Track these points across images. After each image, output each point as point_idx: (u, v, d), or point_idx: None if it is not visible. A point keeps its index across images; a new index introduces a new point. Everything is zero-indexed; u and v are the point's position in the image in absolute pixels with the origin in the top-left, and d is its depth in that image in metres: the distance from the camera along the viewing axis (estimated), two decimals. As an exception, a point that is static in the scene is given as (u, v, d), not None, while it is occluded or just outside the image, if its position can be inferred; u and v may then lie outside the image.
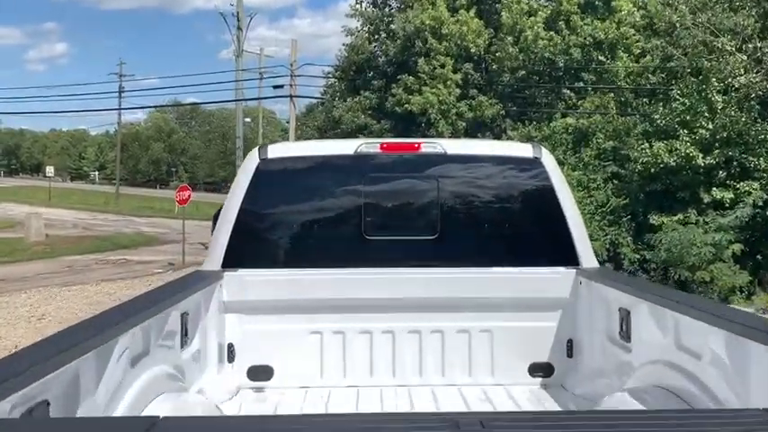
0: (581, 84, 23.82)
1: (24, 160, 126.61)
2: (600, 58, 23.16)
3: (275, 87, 33.22)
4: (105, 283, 19.81)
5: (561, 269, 4.72)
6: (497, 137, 22.62)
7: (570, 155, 21.62)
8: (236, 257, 4.63)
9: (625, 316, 3.94)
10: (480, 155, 4.97)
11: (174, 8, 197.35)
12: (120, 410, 2.76)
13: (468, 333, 4.75)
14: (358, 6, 27.13)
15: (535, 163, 4.81)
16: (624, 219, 19.73)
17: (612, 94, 22.93)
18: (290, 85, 30.67)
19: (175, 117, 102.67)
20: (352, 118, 24.89)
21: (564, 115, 23.24)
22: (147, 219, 46.44)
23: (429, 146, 4.85)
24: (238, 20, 29.26)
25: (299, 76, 30.90)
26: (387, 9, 27.41)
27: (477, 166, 4.87)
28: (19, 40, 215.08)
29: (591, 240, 19.22)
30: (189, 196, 25.55)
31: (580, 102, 23.68)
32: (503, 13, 23.64)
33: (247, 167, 4.73)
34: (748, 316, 2.87)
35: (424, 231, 4.76)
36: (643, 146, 18.77)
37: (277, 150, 4.89)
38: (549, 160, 4.87)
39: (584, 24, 23.15)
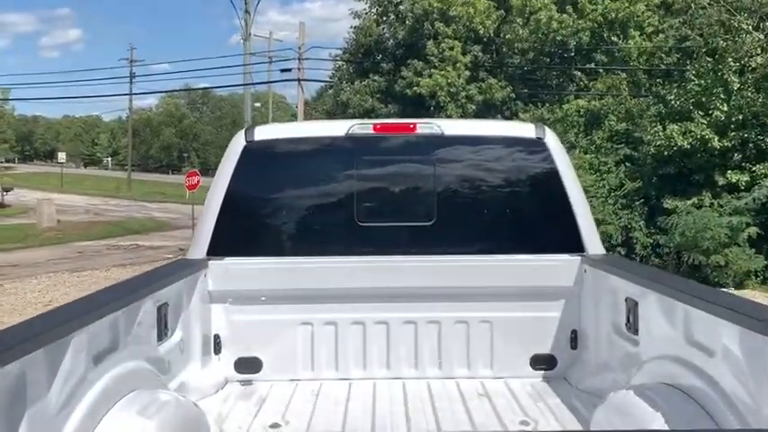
0: (593, 65, 23.35)
1: (38, 146, 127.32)
2: (612, 38, 22.67)
3: (283, 71, 33.04)
4: (115, 269, 19.81)
5: (565, 256, 4.48)
6: (508, 120, 22.27)
7: (582, 137, 21.26)
8: (221, 245, 4.43)
9: (632, 307, 3.70)
10: (480, 135, 4.71)
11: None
12: (79, 412, 2.57)
13: (467, 323, 4.53)
14: (367, -12, 26.73)
15: (538, 144, 4.55)
16: (637, 202, 19.40)
17: (625, 75, 22.46)
18: (298, 69, 30.43)
19: (186, 102, 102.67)
20: (359, 101, 24.58)
21: (576, 97, 22.83)
22: (159, 204, 46.57)
23: (425, 126, 4.60)
24: (246, 2, 28.98)
25: (307, 59, 30.67)
26: (395, -10, 26.98)
27: (477, 147, 4.62)
28: (33, 26, 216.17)
29: (604, 224, 18.74)
30: (198, 182, 25.56)
31: (592, 83, 23.24)
32: (512, -6, 23.20)
33: (233, 150, 4.51)
34: (765, 310, 2.61)
35: (420, 217, 4.54)
36: (656, 128, 18.38)
37: (265, 132, 4.65)
38: (553, 141, 4.60)
39: (595, 4, 22.64)
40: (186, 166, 77.56)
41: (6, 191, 41.83)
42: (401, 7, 26.09)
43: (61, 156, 67.30)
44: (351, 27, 27.84)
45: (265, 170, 4.61)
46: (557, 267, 4.48)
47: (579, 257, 4.45)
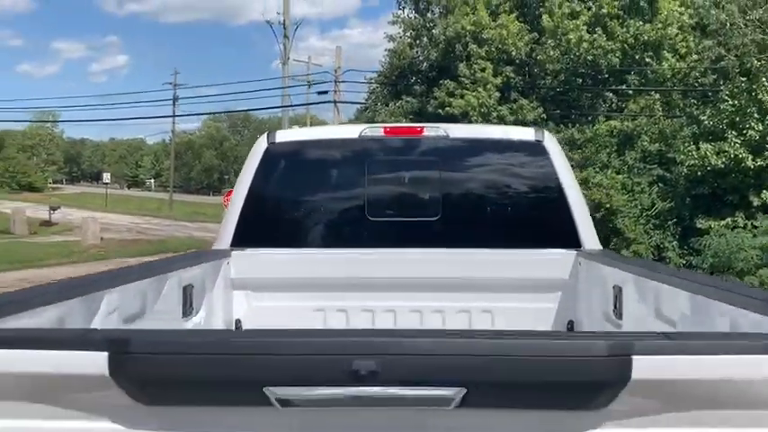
0: (624, 86, 23.44)
1: (85, 168, 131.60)
2: (646, 59, 22.76)
3: (320, 93, 33.84)
4: (153, 284, 20.42)
5: (562, 251, 4.73)
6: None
7: (614, 157, 21.31)
8: (244, 237, 4.78)
9: (618, 293, 3.93)
10: (483, 138, 5.03)
11: (229, 20, 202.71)
12: None
13: (469, 313, 4.78)
14: (400, 13, 27.45)
15: (537, 146, 4.84)
16: (670, 223, 19.32)
17: (658, 96, 22.49)
18: (334, 91, 31.18)
19: (228, 125, 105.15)
20: (394, 122, 25.11)
21: (608, 118, 22.91)
22: (199, 224, 47.50)
23: (432, 129, 4.93)
24: (285, 28, 29.90)
25: (343, 82, 31.40)
26: (429, 14, 27.59)
27: (480, 149, 4.93)
28: (83, 53, 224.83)
29: (635, 244, 18.65)
30: (236, 200, 26.11)
31: (624, 104, 23.31)
32: (543, 18, 23.50)
33: (256, 151, 4.90)
34: (714, 279, 2.88)
35: (426, 213, 4.84)
36: (690, 147, 18.37)
37: (285, 135, 5.06)
38: (551, 143, 4.88)
39: (626, 26, 22.80)
40: (227, 188, 79.11)
41: (53, 209, 43.34)
42: (434, 31, 26.66)
43: (106, 177, 69.40)
44: (385, 50, 28.56)
45: (285, 169, 4.99)
46: (554, 261, 4.71)
47: (575, 252, 4.69)
